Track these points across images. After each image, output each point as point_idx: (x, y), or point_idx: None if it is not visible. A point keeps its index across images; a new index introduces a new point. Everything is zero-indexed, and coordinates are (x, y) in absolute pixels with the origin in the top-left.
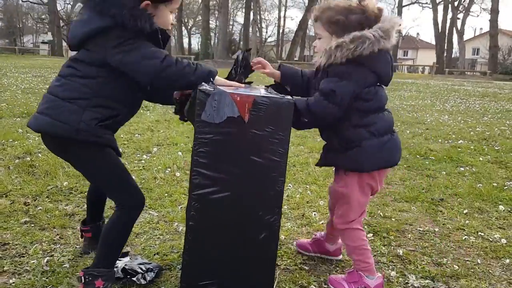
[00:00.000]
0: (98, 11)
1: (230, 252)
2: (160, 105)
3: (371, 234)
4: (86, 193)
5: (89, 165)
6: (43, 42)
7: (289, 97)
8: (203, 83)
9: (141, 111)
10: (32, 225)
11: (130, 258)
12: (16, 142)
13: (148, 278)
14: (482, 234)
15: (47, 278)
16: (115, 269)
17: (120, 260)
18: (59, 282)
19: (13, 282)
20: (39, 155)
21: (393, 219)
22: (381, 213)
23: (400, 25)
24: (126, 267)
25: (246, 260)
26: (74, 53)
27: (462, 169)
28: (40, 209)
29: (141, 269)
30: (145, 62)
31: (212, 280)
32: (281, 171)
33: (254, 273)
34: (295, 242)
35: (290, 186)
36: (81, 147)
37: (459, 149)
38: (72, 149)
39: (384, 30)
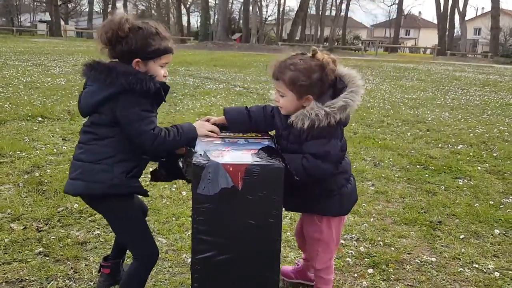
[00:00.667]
0: (109, 83)
1: None
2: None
3: (371, 269)
4: (95, 216)
5: (119, 218)
6: (40, 21)
7: (278, 161)
8: (194, 153)
9: None
10: (47, 257)
11: None
12: (24, 153)
13: None
14: (477, 265)
15: None
16: None
17: None
18: None
19: None
20: (47, 170)
21: (392, 248)
22: (381, 241)
23: (363, 85)
24: None
25: None
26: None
27: (460, 182)
28: (53, 238)
29: None
30: (140, 139)
31: None
32: (276, 230)
33: None
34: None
35: None
36: (116, 200)
37: (458, 156)
38: (106, 204)
39: (358, 93)
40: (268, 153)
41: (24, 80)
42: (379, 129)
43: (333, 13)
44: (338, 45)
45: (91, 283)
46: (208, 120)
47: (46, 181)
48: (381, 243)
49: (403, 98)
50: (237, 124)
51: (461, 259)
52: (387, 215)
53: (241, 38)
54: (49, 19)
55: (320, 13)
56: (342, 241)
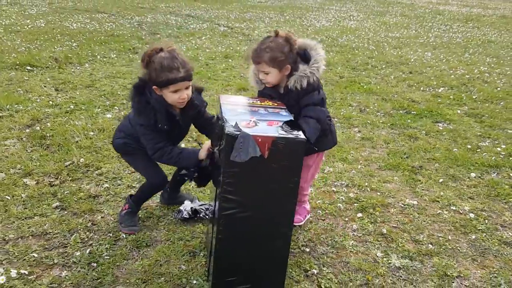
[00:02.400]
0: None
1: (251, 256)
2: None
3: (360, 213)
4: (101, 170)
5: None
6: None
7: (301, 135)
8: (228, 123)
9: (130, 55)
10: (64, 211)
11: (192, 202)
12: (21, 106)
13: (210, 214)
14: (454, 207)
15: (94, 271)
16: (184, 210)
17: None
18: (105, 273)
19: (66, 275)
20: (47, 123)
21: (378, 193)
22: (368, 186)
23: (323, 50)
24: (193, 208)
25: (264, 260)
26: None
27: (440, 126)
28: (67, 192)
29: (202, 209)
30: (146, 148)
31: (236, 276)
32: (294, 194)
33: (271, 270)
34: None
35: None
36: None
37: (439, 100)
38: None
39: (321, 61)
40: (291, 126)
41: (3, 23)
42: (364, 72)
43: None
44: None
45: (110, 234)
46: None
47: (48, 135)
48: (368, 188)
49: (387, 37)
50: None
51: (440, 201)
52: (373, 161)
53: None
54: None
55: None
56: (333, 188)
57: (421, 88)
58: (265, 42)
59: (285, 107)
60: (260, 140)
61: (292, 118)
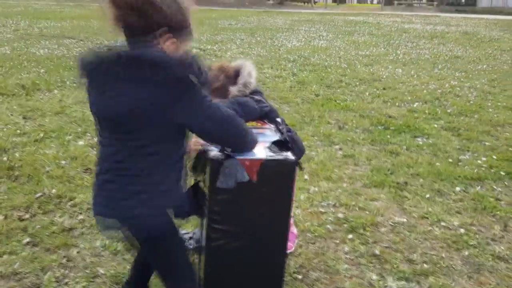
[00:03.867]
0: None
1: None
2: None
3: (351, 234)
4: (75, 201)
5: None
6: None
7: (290, 155)
8: (212, 149)
9: None
10: (36, 247)
11: None
12: None
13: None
14: (444, 223)
15: None
16: None
17: None
18: None
19: None
20: (15, 153)
21: (367, 212)
22: (356, 206)
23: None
24: None
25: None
26: None
27: (420, 141)
28: (38, 227)
29: (185, 238)
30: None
31: None
32: (286, 218)
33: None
34: None
35: None
36: None
37: (415, 114)
38: None
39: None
40: (279, 146)
41: None
42: (338, 90)
43: None
44: None
45: (87, 271)
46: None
47: (16, 165)
48: (356, 207)
49: (358, 55)
50: None
51: (429, 218)
52: (357, 178)
53: None
54: None
55: None
56: (320, 209)
57: (396, 104)
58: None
59: (269, 127)
60: (247, 163)
61: (278, 138)
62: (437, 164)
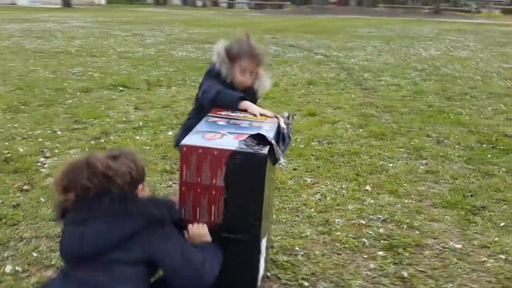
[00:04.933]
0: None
1: None
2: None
3: (386, 252)
4: None
5: None
6: None
7: (263, 149)
8: None
9: None
10: None
11: None
12: (97, 121)
13: None
14: (506, 256)
15: None
16: None
17: None
18: None
19: None
20: (112, 137)
21: (417, 231)
22: (409, 224)
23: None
24: None
25: None
26: None
27: None
28: None
29: None
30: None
31: None
32: (258, 219)
33: None
34: None
35: (327, 183)
36: None
37: None
38: None
39: None
40: (258, 140)
41: (119, 50)
42: (458, 102)
43: None
44: (447, 7)
45: None
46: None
47: (107, 147)
48: (408, 225)
49: (500, 68)
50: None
51: (491, 248)
52: (428, 196)
53: (340, 1)
54: None
55: None
56: (366, 222)
57: None
58: (255, 45)
59: (274, 122)
60: (216, 153)
61: (272, 133)
62: None
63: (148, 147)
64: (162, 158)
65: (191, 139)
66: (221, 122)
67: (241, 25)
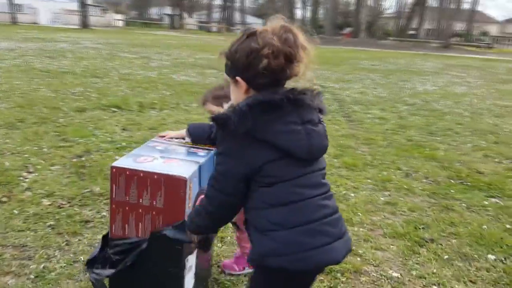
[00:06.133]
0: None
1: None
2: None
3: (321, 275)
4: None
5: None
6: (166, 14)
7: (184, 173)
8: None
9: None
10: (52, 230)
11: None
12: (83, 139)
13: None
14: (442, 287)
15: (35, 283)
16: None
17: None
18: None
19: (10, 283)
20: (92, 156)
21: (359, 258)
22: (353, 250)
23: None
24: None
25: None
26: None
27: (491, 201)
28: (64, 214)
29: None
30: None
31: None
32: (180, 256)
33: None
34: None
35: None
36: None
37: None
38: None
39: None
40: (184, 161)
41: (122, 72)
42: (439, 138)
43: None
44: (459, 41)
45: (71, 255)
46: (168, 135)
47: (87, 165)
48: (352, 252)
49: (492, 105)
50: (200, 139)
51: (427, 278)
52: (381, 226)
53: (352, 33)
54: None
55: (440, 5)
56: None
57: (497, 160)
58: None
59: (212, 149)
60: (141, 175)
61: (203, 160)
62: (488, 227)
63: None
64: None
65: (122, 161)
66: (160, 147)
67: None
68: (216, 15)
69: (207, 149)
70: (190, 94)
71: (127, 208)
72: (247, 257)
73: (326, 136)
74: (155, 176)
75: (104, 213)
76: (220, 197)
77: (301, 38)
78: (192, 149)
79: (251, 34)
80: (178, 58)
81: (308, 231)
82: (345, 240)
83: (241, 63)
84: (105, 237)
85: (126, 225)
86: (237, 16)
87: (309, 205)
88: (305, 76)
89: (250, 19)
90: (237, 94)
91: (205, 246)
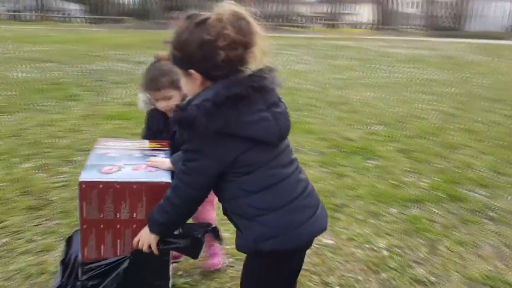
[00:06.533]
0: None
1: None
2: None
3: None
4: (5, 223)
5: None
6: None
7: (165, 178)
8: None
9: (68, 103)
10: None
11: None
12: None
13: None
14: (369, 245)
15: None
16: None
17: None
18: None
19: None
20: None
21: None
22: None
23: None
24: None
25: None
26: None
27: (370, 163)
28: None
29: None
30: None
31: None
32: (165, 266)
33: None
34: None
35: None
36: None
37: (374, 137)
38: None
39: None
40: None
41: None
42: (306, 113)
43: None
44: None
45: None
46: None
47: None
48: None
49: (333, 79)
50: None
51: (356, 240)
52: None
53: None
54: None
55: None
56: None
57: (357, 126)
58: (157, 68)
59: (167, 149)
60: (118, 186)
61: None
62: (379, 186)
63: (4, 184)
64: (22, 194)
65: (89, 175)
66: (113, 154)
67: (81, 41)
68: (28, 1)
69: (163, 150)
70: (39, 92)
71: (101, 226)
72: (236, 245)
73: (288, 113)
74: (134, 186)
75: (6, 240)
76: (188, 191)
77: (254, 23)
78: (146, 151)
79: (200, 23)
80: (5, 53)
81: (295, 208)
82: (322, 206)
83: (195, 56)
84: (63, 262)
85: (102, 245)
86: (53, 2)
87: (289, 183)
88: (262, 61)
89: (68, 5)
90: (192, 86)
91: (194, 252)
